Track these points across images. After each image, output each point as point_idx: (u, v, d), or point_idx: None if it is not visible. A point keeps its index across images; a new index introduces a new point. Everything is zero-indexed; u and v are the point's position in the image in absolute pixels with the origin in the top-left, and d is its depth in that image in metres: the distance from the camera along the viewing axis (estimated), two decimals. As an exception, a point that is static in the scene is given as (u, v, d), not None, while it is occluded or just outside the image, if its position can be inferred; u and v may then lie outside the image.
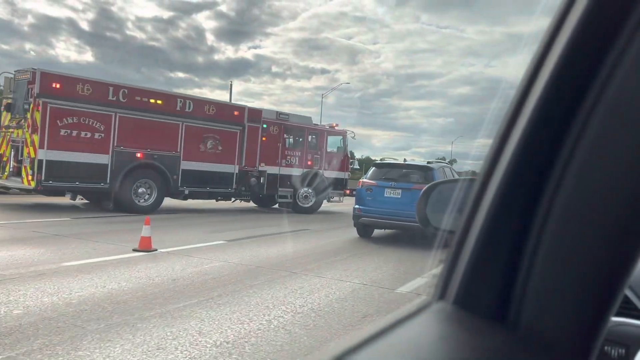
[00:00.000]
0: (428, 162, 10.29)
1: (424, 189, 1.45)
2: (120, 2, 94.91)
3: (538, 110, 0.42)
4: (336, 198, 17.63)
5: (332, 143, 17.65)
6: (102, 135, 12.05)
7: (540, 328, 0.42)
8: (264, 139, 15.40)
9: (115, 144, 12.25)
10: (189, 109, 13.56)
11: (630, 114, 0.38)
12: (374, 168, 10.59)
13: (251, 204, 16.69)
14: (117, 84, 12.55)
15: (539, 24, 0.44)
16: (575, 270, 0.40)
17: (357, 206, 9.94)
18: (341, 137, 17.71)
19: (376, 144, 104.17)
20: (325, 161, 16.86)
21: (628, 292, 1.13)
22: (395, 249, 9.34)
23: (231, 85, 36.70)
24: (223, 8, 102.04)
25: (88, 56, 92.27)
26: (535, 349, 0.42)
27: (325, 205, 17.63)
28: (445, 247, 0.52)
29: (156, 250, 7.41)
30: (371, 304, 5.28)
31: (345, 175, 17.63)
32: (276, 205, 16.44)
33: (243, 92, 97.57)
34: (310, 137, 16.68)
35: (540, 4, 0.47)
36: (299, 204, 15.96)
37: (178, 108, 13.36)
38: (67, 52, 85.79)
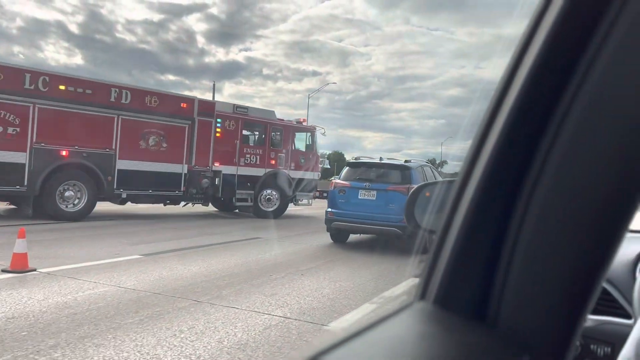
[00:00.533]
0: (406, 161, 9.22)
1: (411, 190, 1.49)
2: (110, 5, 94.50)
3: (515, 110, 0.42)
4: (305, 201, 15.91)
5: (300, 140, 16.03)
6: (17, 130, 10.31)
7: (519, 326, 0.42)
8: (218, 134, 13.72)
9: (34, 140, 10.52)
10: (126, 100, 11.86)
11: (606, 112, 0.38)
12: (347, 168, 9.59)
13: (211, 208, 15.03)
14: (36, 70, 10.82)
15: (524, 24, 0.44)
16: (552, 269, 0.41)
17: (329, 209, 9.05)
18: (309, 133, 16.08)
19: (367, 145, 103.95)
20: (291, 160, 15.20)
21: (613, 292, 1.21)
22: (359, 260, 7.84)
23: (214, 86, 34.71)
24: (214, 10, 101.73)
25: (78, 59, 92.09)
26: (513, 347, 0.43)
27: (292, 209, 16.11)
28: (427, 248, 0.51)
29: (34, 270, 5.77)
30: (279, 352, 3.70)
31: (314, 175, 16.02)
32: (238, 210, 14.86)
33: (235, 95, 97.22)
34: (273, 134, 15.00)
35: (526, 5, 0.46)
36: (261, 207, 14.37)
37: (112, 99, 11.65)
38: (57, 55, 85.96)
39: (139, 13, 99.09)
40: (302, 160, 15.56)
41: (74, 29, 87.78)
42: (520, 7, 0.49)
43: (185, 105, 13.05)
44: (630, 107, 0.37)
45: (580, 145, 0.40)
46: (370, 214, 8.59)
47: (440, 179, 10.92)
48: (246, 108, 14.64)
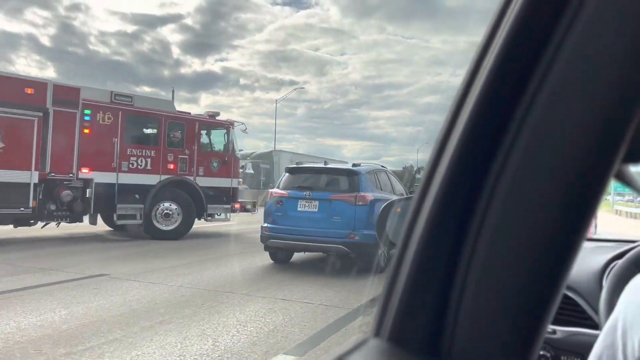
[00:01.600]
0: (354, 165, 7.59)
1: (383, 206, 1.39)
2: (82, 17, 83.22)
3: (472, 120, 0.42)
4: (222, 215, 12.17)
5: (215, 139, 12.43)
6: None
7: (473, 356, 0.41)
8: (86, 131, 9.97)
9: None
10: None
11: (564, 114, 0.38)
12: (286, 174, 7.82)
13: (100, 228, 11.11)
14: None
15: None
16: (505, 290, 0.40)
17: (264, 224, 7.44)
18: (224, 130, 12.49)
19: (346, 154, 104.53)
20: (198, 164, 11.60)
21: (582, 302, 1.23)
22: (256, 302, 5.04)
23: (173, 92, 29.15)
24: (188, 21, 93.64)
25: (50, 72, 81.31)
26: None
27: (206, 226, 12.48)
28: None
29: None
30: None
31: (233, 182, 12.32)
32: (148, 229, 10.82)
33: (211, 105, 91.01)
34: (171, 130, 11.36)
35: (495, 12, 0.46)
36: (156, 225, 10.72)
37: None
38: (28, 69, 77.00)
39: (112, 25, 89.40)
40: (215, 164, 11.95)
41: (45, 41, 77.32)
42: (494, 14, 0.45)
43: (31, 90, 9.08)
44: (585, 115, 0.37)
45: (536, 154, 0.39)
46: (312, 229, 7.00)
47: (399, 186, 8.72)
48: (130, 97, 10.96)
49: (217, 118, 12.55)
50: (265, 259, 7.65)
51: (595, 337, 0.61)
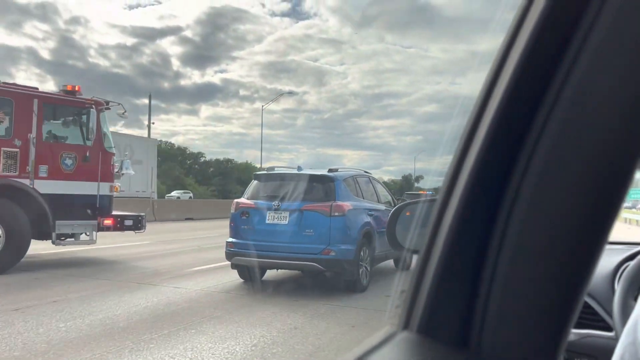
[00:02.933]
0: (330, 170, 6.73)
1: (392, 211, 1.41)
2: (82, 30, 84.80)
3: (494, 126, 0.43)
4: (82, 236, 8.29)
5: (71, 126, 8.49)
6: None
7: (501, 349, 0.43)
8: None
9: None
10: None
11: (584, 124, 0.39)
12: (254, 181, 7.00)
13: None
14: None
15: (498, 40, 0.45)
16: (533, 286, 0.41)
17: (229, 239, 6.65)
18: (87, 111, 8.36)
19: (347, 163, 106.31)
20: (39, 161, 7.73)
21: (594, 304, 1.24)
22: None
23: (150, 97, 28.52)
24: (188, 33, 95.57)
25: (50, 85, 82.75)
26: None
27: (59, 251, 8.72)
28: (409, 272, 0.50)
29: None
30: None
31: (101, 188, 8.35)
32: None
33: (211, 117, 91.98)
34: None
35: (500, 21, 0.46)
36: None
37: None
38: (29, 82, 75.99)
39: (112, 37, 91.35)
40: (69, 162, 8.04)
41: (45, 54, 79.08)
42: (495, 23, 0.47)
43: None
44: (606, 120, 0.38)
45: (557, 158, 0.40)
46: (282, 244, 6.18)
47: (385, 192, 7.93)
48: None
49: (90, 101, 8.43)
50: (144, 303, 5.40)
51: (608, 339, 0.62)
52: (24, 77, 73.97)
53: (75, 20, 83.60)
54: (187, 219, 21.59)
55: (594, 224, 0.39)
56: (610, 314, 1.15)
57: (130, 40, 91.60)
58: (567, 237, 0.39)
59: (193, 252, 10.07)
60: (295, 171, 6.82)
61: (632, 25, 0.36)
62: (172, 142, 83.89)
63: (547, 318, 0.40)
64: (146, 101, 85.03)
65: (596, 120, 0.37)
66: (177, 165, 55.73)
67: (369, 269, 6.53)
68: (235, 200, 6.92)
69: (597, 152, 0.38)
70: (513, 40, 0.42)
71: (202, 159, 65.34)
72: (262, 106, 36.05)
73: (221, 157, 64.52)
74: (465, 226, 0.44)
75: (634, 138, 0.37)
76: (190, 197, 39.00)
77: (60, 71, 76.97)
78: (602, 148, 0.37)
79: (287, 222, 6.29)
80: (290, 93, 55.52)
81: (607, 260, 1.31)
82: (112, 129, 9.47)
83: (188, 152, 65.18)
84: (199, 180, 56.68)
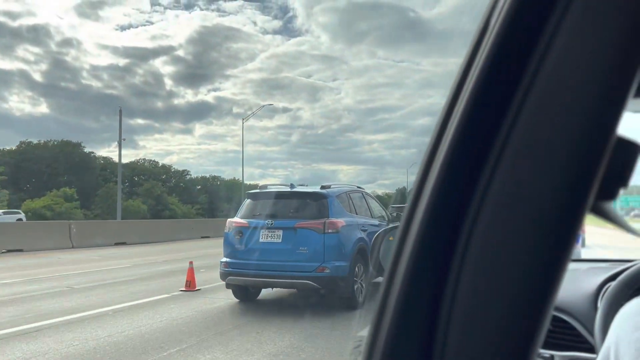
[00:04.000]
0: (323, 187, 6.78)
1: (375, 236, 1.47)
2: (74, 52, 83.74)
3: (455, 141, 0.42)
4: None
5: None
6: None
7: None
8: None
9: None
10: None
11: (548, 127, 0.38)
12: (247, 200, 7.04)
13: None
14: None
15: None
16: (494, 309, 0.40)
17: (223, 258, 6.66)
18: None
19: (343, 178, 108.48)
20: None
21: (577, 326, 1.25)
22: None
23: (120, 112, 27.64)
24: (180, 53, 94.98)
25: (43, 108, 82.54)
26: None
27: None
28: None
29: None
30: None
31: None
32: None
33: (205, 135, 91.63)
34: None
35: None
36: None
37: None
38: (21, 105, 76.22)
39: (104, 59, 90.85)
40: None
41: (37, 77, 78.40)
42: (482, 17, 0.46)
43: None
44: (571, 123, 0.38)
45: (519, 168, 0.39)
46: (276, 263, 6.21)
47: (378, 208, 8.01)
48: None
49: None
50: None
51: None
52: (17, 100, 73.42)
53: (67, 43, 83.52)
54: (117, 243, 17.86)
55: (557, 239, 0.38)
56: (593, 335, 1.14)
57: (122, 61, 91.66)
58: (529, 252, 0.38)
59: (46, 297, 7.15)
60: (288, 189, 6.87)
61: (594, 26, 0.37)
62: (167, 161, 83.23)
63: (510, 342, 0.39)
64: (140, 121, 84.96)
65: (560, 123, 0.37)
66: (159, 183, 55.09)
67: (364, 285, 6.56)
68: (229, 219, 6.94)
69: (563, 157, 0.37)
70: (478, 45, 0.42)
71: (188, 177, 64.89)
72: (243, 119, 35.69)
73: (207, 175, 64.12)
74: (425, 251, 0.43)
75: (597, 142, 0.37)
76: (20, 219, 29.25)
77: (52, 93, 76.73)
78: (567, 153, 0.37)
79: (280, 240, 6.32)
80: (271, 105, 55.38)
81: (590, 281, 1.30)
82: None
83: (173, 169, 64.74)
84: (183, 199, 56.12)
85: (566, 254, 0.39)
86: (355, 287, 6.35)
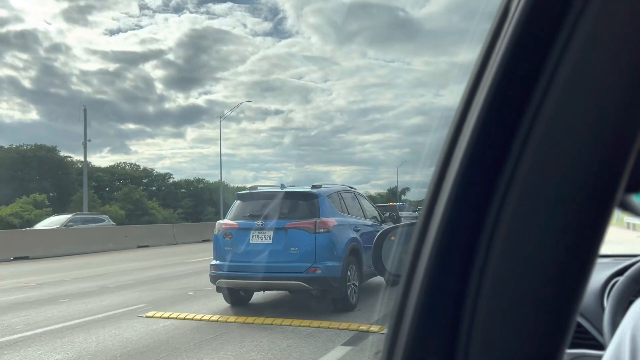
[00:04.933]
0: (314, 187, 6.73)
1: (376, 236, 1.42)
2: (63, 58, 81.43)
3: (474, 138, 0.41)
4: None
5: None
6: None
7: None
8: None
9: None
10: None
11: (570, 126, 0.37)
12: (237, 201, 6.91)
13: None
14: None
15: (477, 50, 0.45)
16: (520, 313, 0.39)
17: (213, 261, 6.56)
18: None
19: (336, 179, 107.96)
20: None
21: (584, 323, 1.22)
22: None
23: (85, 111, 26.45)
24: (170, 56, 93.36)
25: (33, 114, 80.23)
26: None
27: None
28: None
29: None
30: None
31: None
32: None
33: (197, 139, 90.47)
34: None
35: (477, 32, 0.47)
36: None
37: None
38: (11, 112, 72.77)
39: (93, 64, 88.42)
40: None
41: (27, 84, 76.43)
42: (471, 34, 0.47)
43: None
44: (594, 124, 0.37)
45: (543, 166, 0.38)
46: (267, 264, 6.09)
47: (371, 208, 7.97)
48: None
49: None
50: None
51: (601, 358, 0.56)
52: (6, 107, 71.78)
53: (55, 48, 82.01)
54: (16, 258, 15.05)
55: (584, 235, 0.37)
56: (601, 331, 1.14)
57: (112, 66, 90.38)
58: (555, 251, 0.37)
59: None
60: (279, 189, 6.79)
61: (615, 25, 0.35)
62: (159, 166, 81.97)
63: (537, 342, 0.38)
64: (131, 126, 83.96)
65: (583, 124, 0.36)
66: (138, 187, 54.00)
67: (357, 285, 6.51)
68: (218, 221, 6.83)
69: (586, 158, 0.36)
70: (492, 45, 0.41)
71: (171, 180, 64.11)
72: (220, 117, 35.39)
73: (192, 178, 63.35)
74: (446, 252, 0.42)
75: (623, 141, 0.36)
76: None
77: (42, 100, 75.52)
78: (591, 153, 0.36)
79: (271, 241, 6.23)
80: (249, 102, 54.22)
81: (596, 276, 1.29)
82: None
83: (155, 173, 63.89)
84: (165, 203, 55.29)
85: (594, 251, 0.37)
86: (349, 288, 6.29)
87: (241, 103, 36.76)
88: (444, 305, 0.41)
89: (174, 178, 64.54)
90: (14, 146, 52.23)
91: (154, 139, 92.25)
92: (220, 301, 6.74)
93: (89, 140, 29.44)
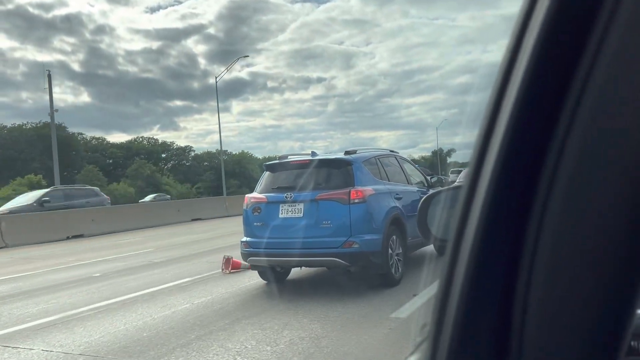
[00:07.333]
0: (347, 153, 6.16)
1: (421, 201, 1.41)
2: (108, 39, 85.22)
3: (520, 101, 0.39)
4: None
5: None
6: None
7: None
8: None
9: None
10: None
11: (627, 88, 0.34)
12: (265, 172, 6.43)
13: None
14: None
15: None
16: (578, 294, 0.37)
17: (244, 238, 6.16)
18: None
19: (382, 145, 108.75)
20: None
21: None
22: None
23: (49, 76, 25.45)
24: (211, 30, 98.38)
25: (84, 97, 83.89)
26: None
27: None
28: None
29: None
30: None
31: None
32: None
33: (243, 112, 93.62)
34: None
35: None
36: None
37: None
38: (64, 96, 75.53)
39: (137, 43, 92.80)
40: None
41: (76, 67, 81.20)
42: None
43: None
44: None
45: (598, 137, 0.35)
46: (298, 240, 5.59)
47: (416, 173, 7.45)
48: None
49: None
50: None
51: None
52: (59, 91, 74.68)
53: (100, 30, 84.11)
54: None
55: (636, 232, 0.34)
56: None
57: (155, 44, 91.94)
58: (616, 232, 0.35)
59: None
60: (309, 157, 6.26)
61: None
62: (208, 141, 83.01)
63: (595, 333, 0.36)
64: (178, 103, 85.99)
65: (628, 115, 0.33)
66: (148, 162, 53.24)
67: (401, 259, 6.03)
68: (247, 195, 6.39)
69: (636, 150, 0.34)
70: (525, 24, 0.39)
71: (192, 153, 64.07)
72: (216, 77, 33.79)
73: (214, 150, 63.50)
74: (496, 221, 0.40)
75: None
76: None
77: (92, 82, 78.32)
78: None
79: (302, 215, 5.75)
80: (246, 56, 52.07)
81: None
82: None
83: (175, 147, 63.94)
84: (186, 178, 55.17)
85: None
86: (391, 262, 5.81)
87: (237, 59, 34.71)
88: (495, 276, 0.40)
89: (195, 151, 64.70)
90: (17, 125, 51.59)
91: (202, 114, 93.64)
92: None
93: (56, 111, 28.95)
